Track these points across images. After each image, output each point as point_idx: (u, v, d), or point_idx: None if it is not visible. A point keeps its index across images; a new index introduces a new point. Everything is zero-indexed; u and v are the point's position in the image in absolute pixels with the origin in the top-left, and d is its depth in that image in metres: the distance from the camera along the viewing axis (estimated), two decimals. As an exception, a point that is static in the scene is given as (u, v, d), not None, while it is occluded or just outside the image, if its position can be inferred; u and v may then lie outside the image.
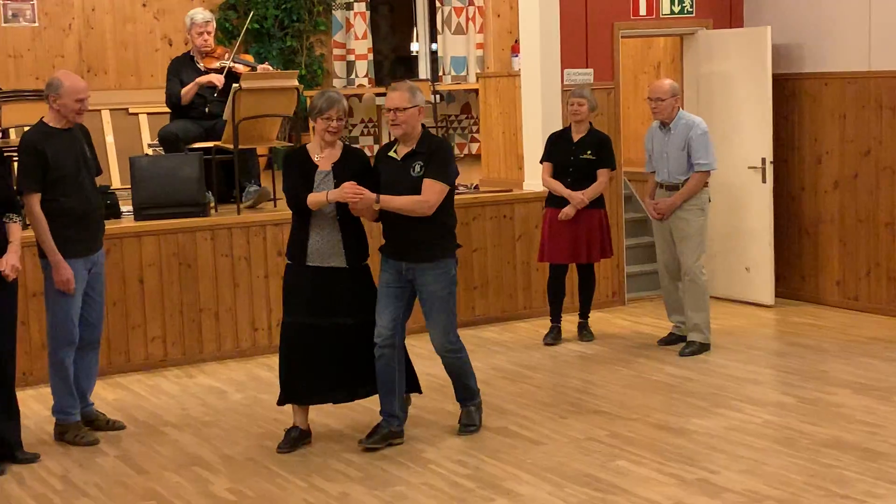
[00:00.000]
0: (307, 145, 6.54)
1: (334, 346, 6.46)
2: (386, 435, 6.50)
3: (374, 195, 6.26)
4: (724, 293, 10.09)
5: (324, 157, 6.44)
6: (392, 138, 6.61)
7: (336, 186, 6.30)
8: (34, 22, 12.20)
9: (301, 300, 6.44)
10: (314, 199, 6.32)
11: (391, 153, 6.49)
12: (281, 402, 6.62)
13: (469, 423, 6.77)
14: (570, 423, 6.90)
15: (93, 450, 6.67)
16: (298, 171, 6.42)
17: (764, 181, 9.88)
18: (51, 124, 6.63)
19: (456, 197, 9.61)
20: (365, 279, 6.59)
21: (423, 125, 6.51)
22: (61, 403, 6.81)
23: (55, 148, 6.54)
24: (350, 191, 6.21)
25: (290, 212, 6.50)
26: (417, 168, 6.36)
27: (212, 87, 9.36)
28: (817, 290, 10.09)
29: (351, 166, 6.44)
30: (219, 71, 9.46)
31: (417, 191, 6.32)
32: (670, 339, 8.69)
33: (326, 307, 6.42)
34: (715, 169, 8.49)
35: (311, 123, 6.43)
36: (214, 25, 9.76)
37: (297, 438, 6.54)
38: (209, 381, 8.14)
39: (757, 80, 9.89)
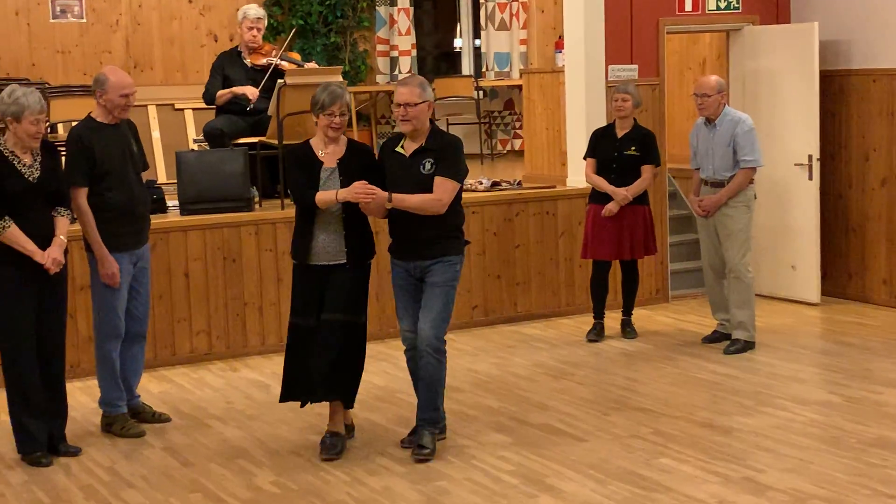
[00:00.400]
0: (310, 141, 6.37)
1: (328, 343, 6.24)
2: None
3: (385, 194, 6.07)
4: (770, 291, 10.03)
5: (328, 153, 6.27)
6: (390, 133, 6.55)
7: (343, 184, 6.15)
8: (82, 18, 12.32)
9: (309, 301, 6.29)
10: (323, 197, 6.14)
11: (398, 149, 6.27)
12: (282, 399, 6.50)
13: (424, 446, 6.27)
14: (614, 420, 6.89)
15: (139, 442, 6.73)
16: (304, 168, 6.25)
17: (810, 178, 9.81)
18: (98, 119, 6.69)
19: (499, 193, 9.78)
20: (363, 278, 6.40)
21: (431, 121, 6.33)
22: (108, 395, 6.87)
23: (102, 143, 6.59)
24: (361, 190, 6.03)
25: (295, 209, 6.40)
26: (428, 165, 6.16)
27: (245, 99, 9.36)
28: (864, 288, 10.01)
29: (356, 162, 6.28)
30: (263, 68, 9.50)
31: (426, 188, 6.13)
32: (714, 337, 8.65)
33: (330, 302, 6.24)
34: (761, 165, 8.45)
35: (314, 119, 6.24)
36: (266, 23, 9.80)
37: (333, 444, 6.35)
38: (253, 374, 8.19)
39: (804, 76, 9.82)
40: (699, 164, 8.54)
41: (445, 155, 6.19)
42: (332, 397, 6.34)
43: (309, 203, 6.16)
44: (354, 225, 6.26)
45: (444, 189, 6.13)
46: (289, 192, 6.46)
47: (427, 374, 6.26)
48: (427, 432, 6.28)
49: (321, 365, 6.22)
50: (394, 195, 6.07)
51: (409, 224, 6.19)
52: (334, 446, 6.31)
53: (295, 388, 6.40)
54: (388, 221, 6.33)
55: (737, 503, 5.51)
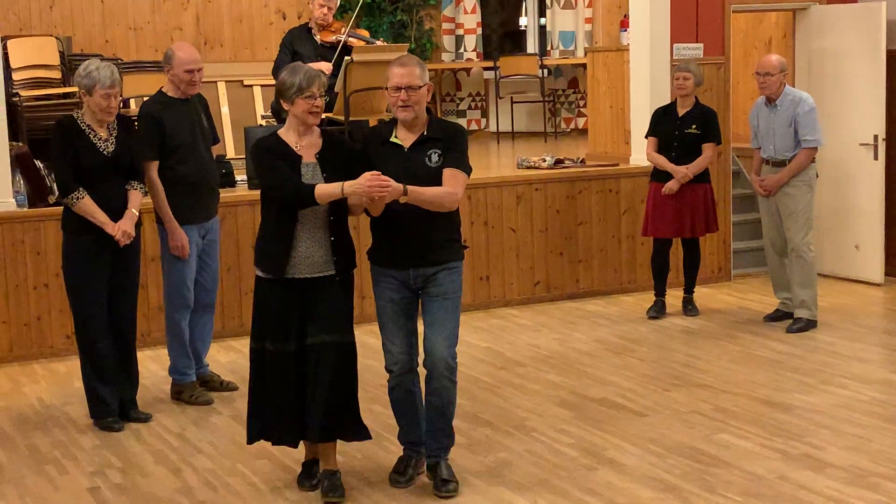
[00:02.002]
0: (278, 132, 5.35)
1: (320, 373, 5.28)
2: (415, 465, 5.60)
3: (401, 186, 5.07)
4: (832, 271, 9.94)
5: (304, 146, 5.29)
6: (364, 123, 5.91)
7: (326, 180, 5.19)
8: (154, -5, 12.44)
9: (287, 322, 5.29)
10: (325, 191, 5.12)
11: (393, 140, 5.29)
12: (252, 440, 5.51)
13: (448, 479, 5.41)
14: (674, 396, 6.87)
15: (207, 409, 6.81)
16: (284, 163, 5.23)
17: (876, 158, 9.70)
18: (168, 94, 6.75)
19: (562, 171, 9.76)
20: (350, 292, 5.46)
21: (427, 107, 5.39)
22: (177, 364, 6.96)
23: (172, 117, 6.65)
24: (375, 182, 5.01)
25: (264, 213, 5.41)
26: (435, 157, 5.25)
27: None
28: (928, 269, 9.90)
29: (336, 155, 5.33)
30: (333, 45, 9.52)
31: (433, 183, 5.20)
32: (777, 316, 8.60)
33: (315, 323, 5.29)
34: (822, 145, 8.37)
35: (286, 105, 5.25)
36: (338, 2, 9.81)
37: (333, 484, 5.38)
38: (318, 346, 8.24)
39: (870, 56, 9.70)
40: (760, 143, 8.48)
41: (454, 145, 5.30)
42: (331, 438, 5.41)
43: (305, 199, 5.14)
44: (342, 229, 5.34)
45: (457, 181, 5.24)
46: (265, 190, 5.29)
47: (441, 399, 5.40)
48: (444, 464, 5.45)
49: (315, 401, 5.28)
50: (409, 187, 5.09)
51: (414, 225, 5.23)
52: (335, 487, 5.35)
53: (274, 427, 5.41)
54: (377, 223, 5.34)
55: (796, 479, 5.48)
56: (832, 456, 5.79)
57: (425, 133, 5.27)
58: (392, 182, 5.04)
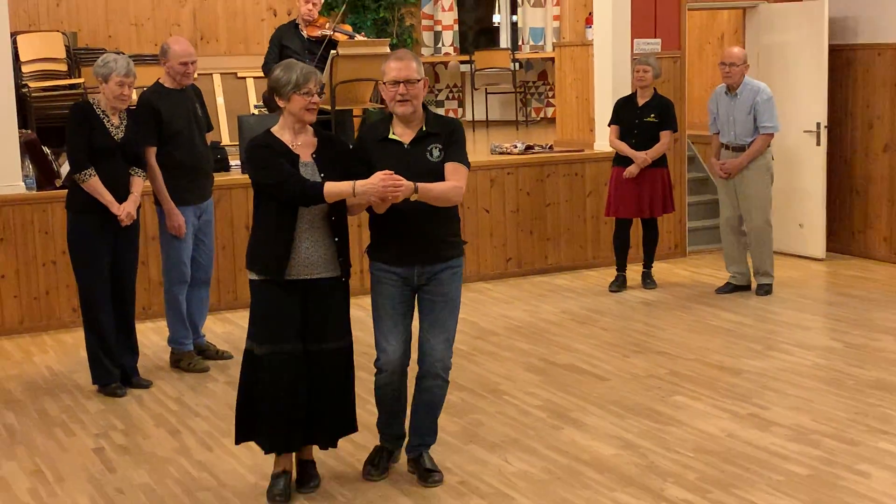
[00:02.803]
0: (271, 130, 4.79)
1: (325, 381, 4.86)
2: (391, 458, 5.21)
3: (412, 184, 4.63)
4: (779, 247, 9.92)
5: (300, 144, 4.76)
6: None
7: (324, 180, 4.68)
8: (154, -6, 12.35)
9: (286, 325, 4.75)
10: (334, 190, 4.63)
11: (392, 136, 4.83)
12: (267, 451, 4.94)
13: (434, 470, 5.06)
14: (633, 362, 6.89)
15: (204, 376, 6.80)
16: (283, 160, 4.69)
17: (818, 144, 9.72)
18: (165, 85, 6.71)
19: (532, 156, 9.75)
20: (348, 294, 4.96)
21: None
22: (176, 335, 6.95)
23: (168, 106, 6.61)
24: (389, 181, 4.57)
25: (259, 213, 4.83)
26: (436, 152, 4.81)
27: None
28: (866, 245, 9.94)
29: (332, 154, 4.83)
30: (319, 40, 9.48)
31: (436, 178, 4.78)
32: (727, 289, 8.64)
33: (317, 329, 4.80)
34: (778, 131, 8.40)
35: (282, 102, 4.70)
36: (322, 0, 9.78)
37: (312, 475, 5.03)
38: (307, 318, 8.24)
39: (814, 50, 9.71)
40: (719, 129, 8.49)
41: (454, 139, 4.88)
42: (334, 444, 5.07)
43: (313, 197, 4.63)
44: (344, 228, 4.84)
45: (460, 175, 4.82)
46: (265, 188, 4.70)
47: (433, 398, 5.05)
48: (427, 454, 5.10)
49: (323, 409, 4.86)
50: (419, 185, 4.65)
51: (420, 221, 4.78)
52: (313, 477, 5.01)
53: (273, 433, 4.85)
54: (381, 220, 4.82)
55: (744, 437, 5.51)
56: (777, 415, 5.82)
57: (424, 128, 4.82)
58: (403, 180, 4.59)
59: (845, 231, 10.08)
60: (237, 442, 5.00)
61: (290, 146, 4.72)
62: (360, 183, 4.59)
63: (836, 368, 6.65)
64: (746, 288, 8.61)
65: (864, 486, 4.87)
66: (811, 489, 4.84)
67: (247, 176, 8.44)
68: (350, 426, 5.03)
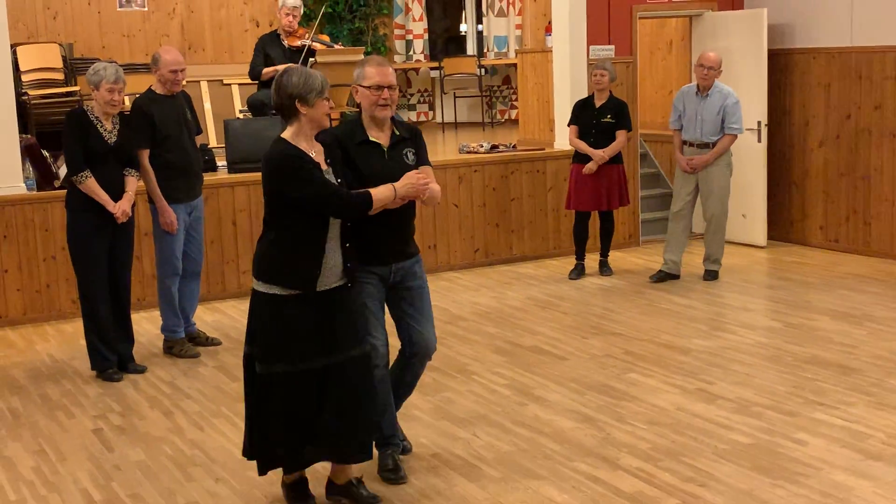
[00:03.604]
0: (286, 139, 4.21)
1: (353, 393, 4.33)
2: (399, 457, 4.88)
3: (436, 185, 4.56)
4: (725, 236, 10.03)
5: (315, 152, 4.27)
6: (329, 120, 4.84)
7: (340, 185, 4.28)
8: (144, 7, 12.28)
9: (315, 340, 4.25)
10: (381, 196, 4.31)
11: (373, 139, 4.55)
12: (287, 472, 4.48)
13: (398, 467, 4.78)
14: (591, 343, 6.93)
15: (195, 361, 6.79)
16: (319, 171, 4.22)
17: (759, 141, 9.79)
18: (157, 91, 6.68)
19: (498, 155, 9.76)
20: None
21: None
22: (168, 323, 6.94)
23: (160, 111, 6.59)
24: (422, 180, 4.41)
25: (280, 225, 4.23)
26: (410, 155, 4.64)
27: None
28: (804, 233, 10.01)
29: (336, 159, 4.40)
30: (298, 49, 9.47)
31: None
32: (660, 277, 8.64)
33: (341, 339, 4.31)
34: (742, 133, 8.48)
35: (303, 109, 4.16)
36: (301, 11, 9.77)
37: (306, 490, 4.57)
38: (290, 306, 8.23)
39: (754, 55, 9.78)
40: (684, 126, 8.50)
41: (421, 143, 4.74)
42: (367, 458, 4.51)
43: (362, 208, 4.27)
44: (350, 234, 4.38)
45: (433, 176, 4.63)
46: (302, 203, 4.14)
47: (416, 377, 4.93)
48: (391, 454, 4.81)
49: (351, 420, 4.32)
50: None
51: (399, 222, 4.60)
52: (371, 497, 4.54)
53: (299, 451, 4.34)
54: (368, 226, 4.44)
55: (692, 409, 5.56)
56: (722, 390, 5.87)
57: (396, 132, 4.62)
58: (430, 178, 4.50)
59: (784, 220, 10.16)
60: (263, 472, 4.39)
61: (311, 155, 4.23)
62: (398, 185, 4.35)
63: (776, 346, 6.70)
64: (676, 277, 8.62)
65: (801, 452, 4.92)
66: (753, 456, 4.89)
67: (234, 176, 8.55)
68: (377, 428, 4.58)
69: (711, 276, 8.61)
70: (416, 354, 4.81)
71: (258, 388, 4.30)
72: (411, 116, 13.93)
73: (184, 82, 6.73)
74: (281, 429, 4.26)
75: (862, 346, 6.63)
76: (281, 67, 9.28)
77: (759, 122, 9.74)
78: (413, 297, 4.73)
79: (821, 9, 9.57)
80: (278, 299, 4.21)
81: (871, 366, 6.20)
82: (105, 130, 6.27)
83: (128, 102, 9.70)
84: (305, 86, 4.14)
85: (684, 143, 8.52)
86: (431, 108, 14.15)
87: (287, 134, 4.23)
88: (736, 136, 8.39)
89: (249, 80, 9.89)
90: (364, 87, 4.52)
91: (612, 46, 9.94)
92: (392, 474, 4.73)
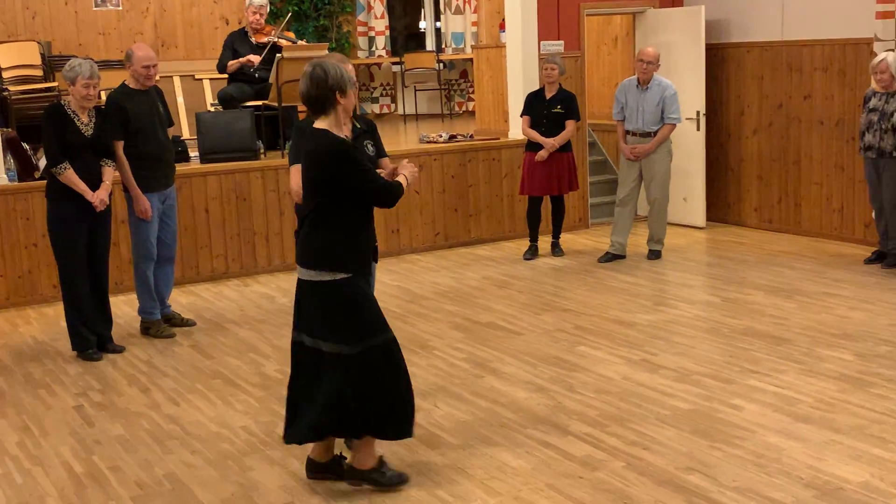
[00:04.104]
0: (329, 130, 4.09)
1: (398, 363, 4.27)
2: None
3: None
4: (667, 219, 10.10)
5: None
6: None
7: None
8: (119, 6, 12.14)
9: (380, 313, 4.25)
10: (404, 186, 4.29)
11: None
12: (408, 436, 4.31)
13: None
14: (544, 319, 6.96)
15: (170, 341, 6.76)
16: (366, 160, 4.20)
17: (698, 129, 9.85)
18: (130, 86, 6.61)
19: (456, 144, 9.75)
20: None
21: None
22: (145, 305, 6.88)
23: (134, 105, 6.52)
24: (415, 168, 4.44)
25: (334, 214, 4.11)
26: (371, 147, 4.69)
27: (250, 65, 9.32)
28: (740, 215, 10.11)
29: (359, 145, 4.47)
30: (265, 45, 9.40)
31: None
32: (607, 258, 8.69)
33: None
34: (681, 122, 8.52)
35: (342, 99, 4.07)
36: (268, 10, 9.69)
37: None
38: (262, 288, 8.21)
39: (693, 49, 9.83)
40: (626, 116, 8.54)
41: (377, 134, 4.79)
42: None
43: (399, 195, 4.24)
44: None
45: (391, 167, 4.60)
46: (362, 193, 4.09)
47: None
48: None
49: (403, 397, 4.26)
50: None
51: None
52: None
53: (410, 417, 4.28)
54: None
55: (637, 379, 5.61)
56: (664, 360, 5.92)
57: (357, 125, 4.60)
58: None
59: (722, 203, 10.24)
60: (411, 433, 4.26)
61: None
62: (407, 175, 4.33)
63: (714, 319, 6.76)
64: (623, 257, 8.67)
65: (737, 417, 4.98)
66: (693, 421, 4.94)
67: (206, 166, 8.47)
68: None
69: (655, 255, 8.68)
70: None
71: (361, 369, 4.11)
72: (374, 109, 13.90)
73: (156, 77, 6.66)
74: (408, 391, 4.20)
75: (792, 318, 6.70)
76: (244, 58, 9.28)
77: (697, 112, 9.80)
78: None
79: (754, 5, 9.64)
80: (342, 282, 4.10)
81: (801, 336, 6.28)
82: (82, 124, 6.20)
83: (103, 97, 9.62)
84: (343, 77, 4.07)
85: (627, 132, 8.57)
86: (393, 100, 14.11)
87: (325, 124, 4.10)
88: (675, 126, 8.44)
89: (220, 75, 9.81)
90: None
91: (562, 42, 9.95)
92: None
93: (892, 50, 8.15)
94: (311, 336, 4.18)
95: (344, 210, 4.10)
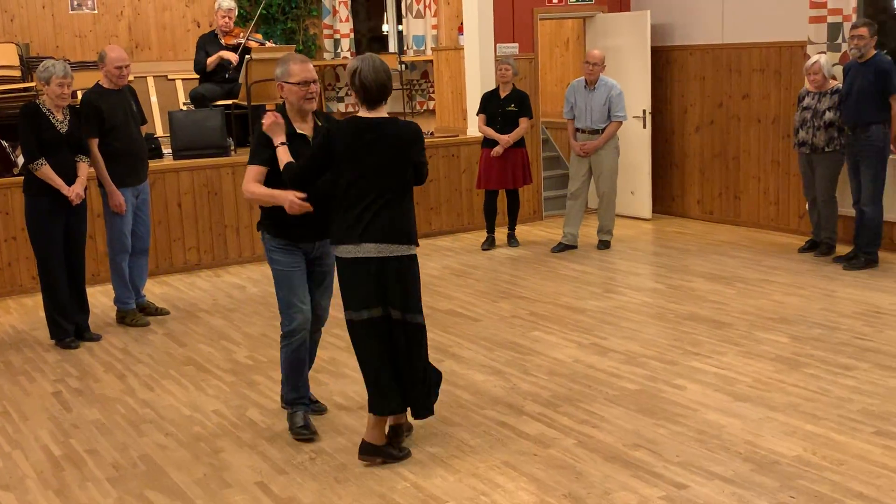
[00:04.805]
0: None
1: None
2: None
3: None
4: (616, 211, 10.15)
5: None
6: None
7: None
8: (94, 10, 11.93)
9: None
10: None
11: (300, 132, 4.45)
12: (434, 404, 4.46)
13: (308, 425, 4.65)
14: (501, 306, 6.97)
15: (145, 330, 6.69)
16: None
17: (645, 127, 9.91)
18: (104, 86, 6.53)
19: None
20: None
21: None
22: (120, 295, 6.81)
23: (108, 104, 6.45)
24: None
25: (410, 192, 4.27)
26: None
27: (228, 61, 9.23)
28: (683, 207, 10.18)
29: None
30: (235, 47, 9.32)
31: None
32: (560, 248, 8.71)
33: None
34: (627, 120, 8.55)
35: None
36: (236, 13, 9.60)
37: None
38: (233, 279, 8.14)
39: (640, 51, 9.87)
40: (575, 115, 8.57)
41: None
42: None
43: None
44: None
45: None
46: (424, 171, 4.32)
47: (316, 345, 4.96)
48: (302, 413, 4.70)
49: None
50: None
51: (323, 204, 4.36)
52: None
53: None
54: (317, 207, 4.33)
55: (587, 361, 5.63)
56: (613, 344, 5.95)
57: (318, 122, 4.52)
58: None
59: (667, 196, 10.31)
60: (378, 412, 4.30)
61: None
62: None
63: (659, 305, 6.81)
64: (574, 247, 8.70)
65: (680, 396, 5.02)
66: (639, 400, 4.98)
67: (179, 162, 8.39)
68: None
69: (604, 245, 8.72)
70: (314, 322, 4.75)
71: (420, 338, 4.26)
72: (340, 107, 13.82)
73: (128, 77, 6.58)
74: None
75: (732, 303, 6.76)
76: (224, 53, 9.18)
77: (644, 111, 9.85)
78: (321, 276, 4.70)
79: (696, 10, 9.70)
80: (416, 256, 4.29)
81: (740, 320, 6.35)
82: (57, 121, 6.11)
83: (79, 96, 9.49)
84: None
85: (577, 130, 8.59)
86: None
87: (385, 112, 4.20)
88: (621, 123, 8.48)
89: (192, 76, 9.71)
90: (291, 83, 4.40)
91: (516, 44, 9.95)
92: (305, 430, 4.60)
93: (824, 52, 8.25)
94: (404, 310, 4.22)
95: (410, 187, 4.25)
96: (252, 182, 4.44)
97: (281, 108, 4.51)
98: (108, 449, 4.63)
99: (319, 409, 4.95)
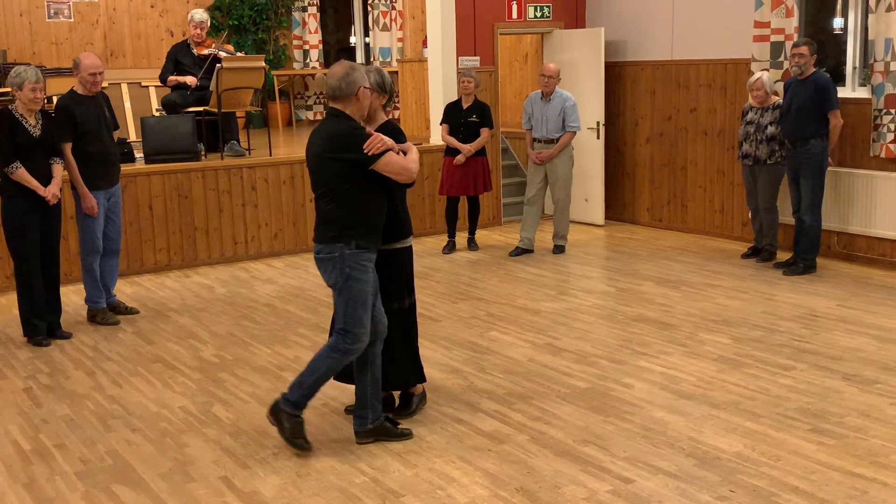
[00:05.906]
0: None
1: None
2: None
3: None
4: (570, 217, 10.15)
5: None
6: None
7: None
8: (70, 18, 11.78)
9: None
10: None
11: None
12: (422, 381, 4.78)
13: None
14: (460, 307, 6.95)
15: (115, 328, 6.59)
16: None
17: (598, 138, 9.95)
18: (78, 92, 6.43)
19: (381, 148, 9.68)
20: None
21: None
22: (91, 295, 6.70)
23: (81, 109, 6.35)
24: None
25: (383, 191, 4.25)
26: None
27: (189, 85, 9.14)
28: (634, 214, 10.23)
29: None
30: (206, 57, 9.23)
31: None
32: (517, 252, 8.72)
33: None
34: (580, 130, 8.58)
35: (381, 101, 4.30)
36: (209, 24, 9.51)
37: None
38: (202, 279, 8.05)
39: (594, 66, 9.91)
40: (532, 125, 8.59)
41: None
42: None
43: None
44: None
45: None
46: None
47: None
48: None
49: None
50: None
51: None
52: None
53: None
54: (381, 208, 4.30)
55: (541, 360, 5.63)
56: (566, 344, 5.96)
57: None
58: None
59: (618, 203, 10.37)
60: (422, 381, 4.63)
61: None
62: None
63: (610, 307, 6.83)
64: (530, 251, 8.72)
65: (628, 394, 5.04)
66: (589, 398, 4.98)
67: (150, 166, 8.28)
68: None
69: (559, 250, 8.74)
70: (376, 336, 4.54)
71: (412, 318, 4.65)
72: (308, 116, 13.74)
73: (101, 84, 6.48)
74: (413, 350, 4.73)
75: (678, 305, 6.81)
76: (182, 78, 9.08)
77: (598, 122, 9.90)
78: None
79: (647, 28, 9.77)
80: (407, 249, 4.64)
81: (685, 322, 6.39)
82: (30, 125, 6.02)
83: (55, 100, 9.35)
84: (388, 79, 4.42)
85: (534, 139, 8.62)
86: (326, 108, 13.97)
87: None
88: (575, 133, 8.51)
89: (161, 84, 9.60)
90: (366, 90, 4.18)
91: (478, 57, 9.96)
92: (305, 443, 4.33)
93: (767, 69, 8.34)
94: (413, 295, 4.60)
95: None
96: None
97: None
98: (76, 444, 4.55)
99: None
